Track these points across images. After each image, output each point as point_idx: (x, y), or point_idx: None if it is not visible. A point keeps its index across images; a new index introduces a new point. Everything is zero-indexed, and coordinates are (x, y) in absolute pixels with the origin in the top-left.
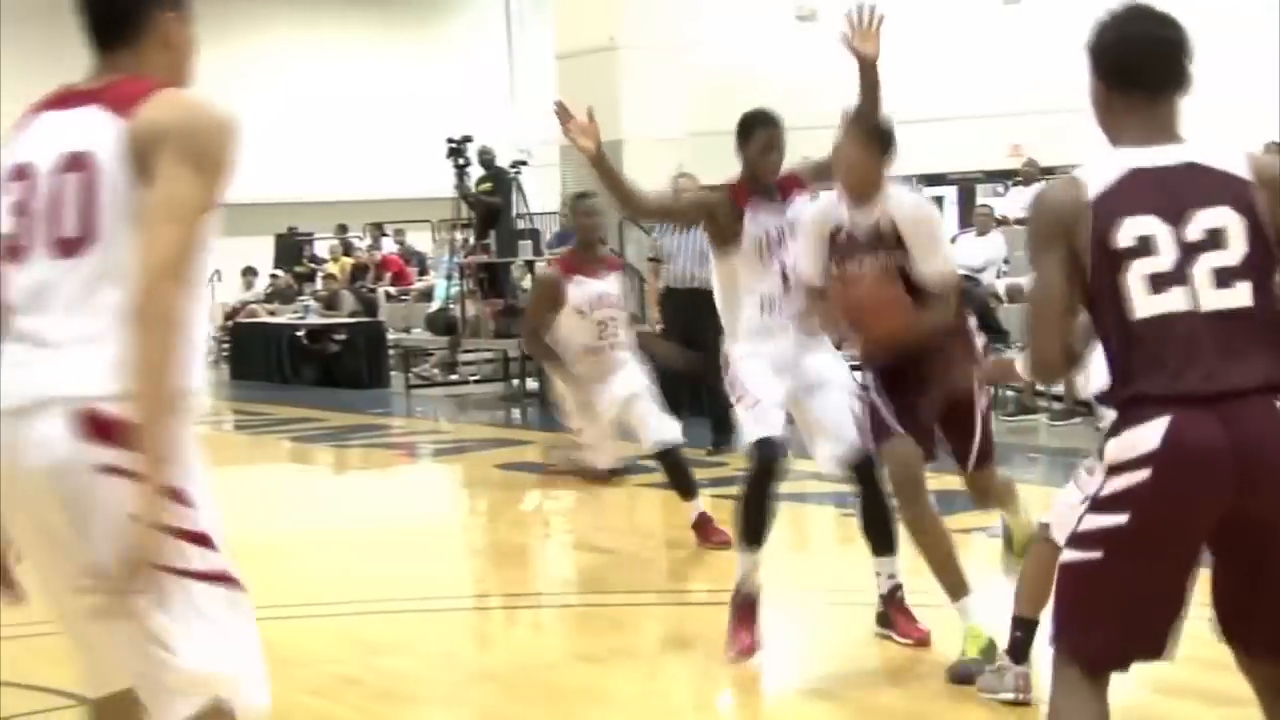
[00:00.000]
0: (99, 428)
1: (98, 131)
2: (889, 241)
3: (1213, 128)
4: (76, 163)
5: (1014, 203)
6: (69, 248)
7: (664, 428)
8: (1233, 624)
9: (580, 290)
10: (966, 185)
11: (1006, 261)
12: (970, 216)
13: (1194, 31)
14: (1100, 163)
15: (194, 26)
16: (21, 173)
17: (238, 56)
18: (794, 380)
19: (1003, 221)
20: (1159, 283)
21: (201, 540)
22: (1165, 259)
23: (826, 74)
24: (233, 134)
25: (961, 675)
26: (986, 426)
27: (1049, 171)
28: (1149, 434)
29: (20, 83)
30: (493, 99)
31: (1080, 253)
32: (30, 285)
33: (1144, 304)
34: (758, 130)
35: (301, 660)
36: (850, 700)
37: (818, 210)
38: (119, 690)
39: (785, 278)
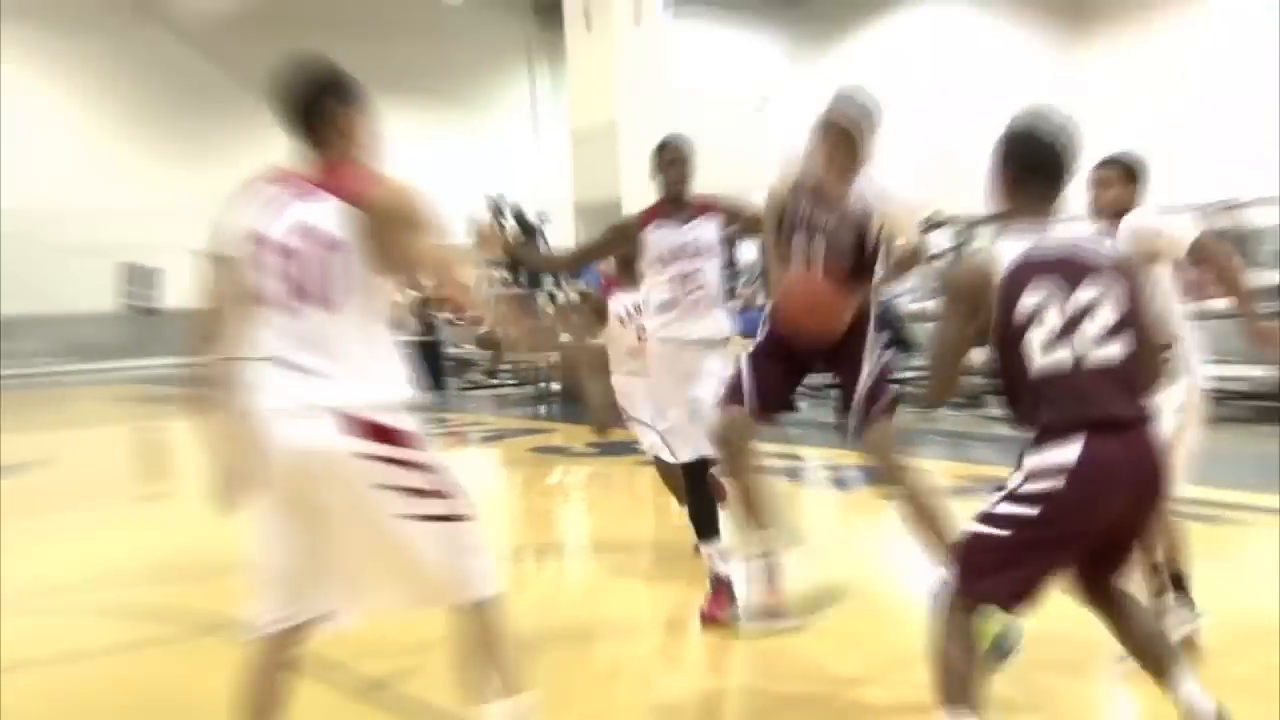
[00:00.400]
0: (354, 426)
1: (337, 216)
2: (848, 229)
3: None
4: (326, 241)
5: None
6: (325, 303)
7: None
8: (1086, 583)
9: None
10: None
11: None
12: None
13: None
14: (1005, 248)
15: (372, 118)
16: (279, 247)
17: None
18: (686, 380)
19: None
20: (1049, 345)
21: (436, 494)
22: (1054, 326)
23: (779, 151)
24: (425, 198)
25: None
26: (877, 377)
27: (948, 221)
28: (1067, 452)
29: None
30: (521, 167)
31: (983, 315)
32: (297, 330)
33: (1040, 361)
34: (664, 147)
35: None
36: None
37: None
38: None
39: (687, 288)
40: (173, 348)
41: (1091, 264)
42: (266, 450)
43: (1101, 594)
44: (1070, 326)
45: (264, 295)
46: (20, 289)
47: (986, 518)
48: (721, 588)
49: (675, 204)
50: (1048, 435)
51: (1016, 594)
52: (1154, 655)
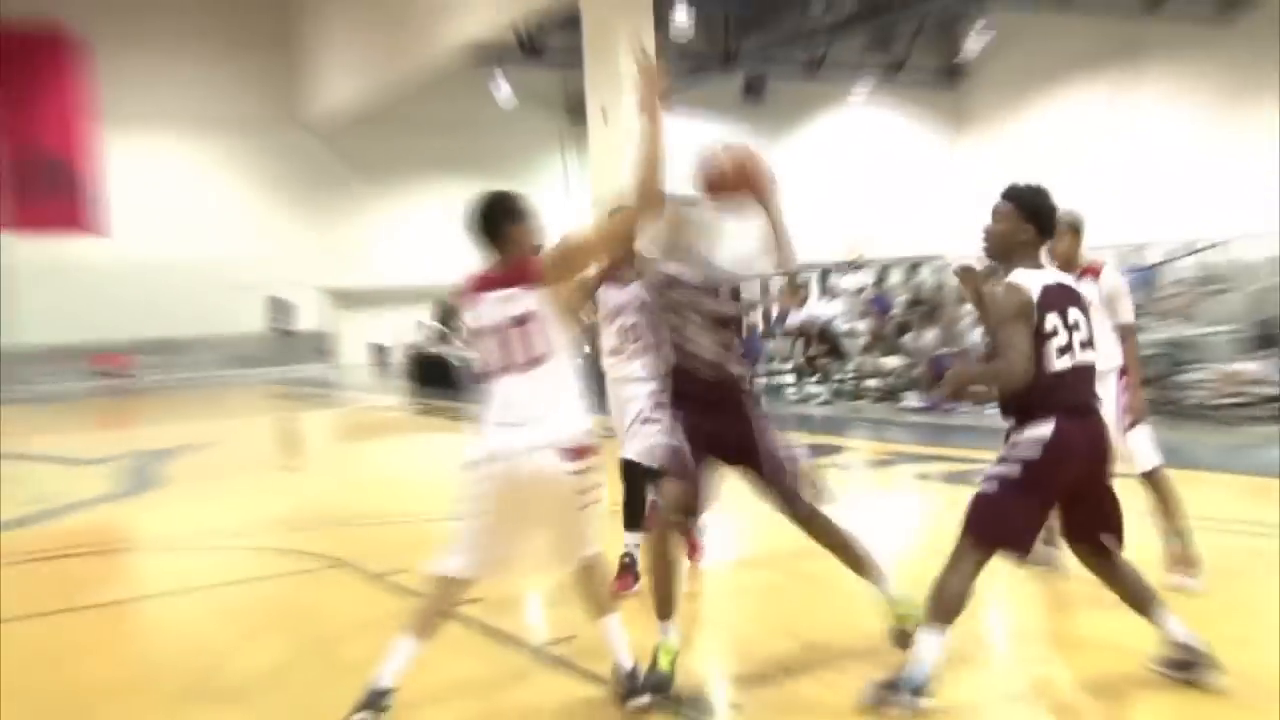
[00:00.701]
0: (567, 454)
1: (529, 299)
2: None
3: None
4: (524, 318)
5: (851, 280)
6: (535, 363)
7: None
8: (1070, 534)
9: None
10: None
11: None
12: (824, 288)
13: None
14: (1027, 278)
15: (534, 227)
16: (492, 328)
17: (390, 215)
18: (628, 405)
19: (842, 292)
20: (1060, 351)
21: (596, 485)
22: (1062, 338)
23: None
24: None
25: (648, 685)
26: (771, 449)
27: (868, 262)
28: (1043, 429)
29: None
30: (555, 224)
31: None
32: (514, 387)
33: (1055, 364)
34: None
35: None
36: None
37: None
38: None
39: (629, 339)
40: (303, 358)
41: (1074, 295)
42: (502, 474)
43: (1094, 552)
44: (1069, 339)
45: (489, 366)
46: (197, 315)
47: (986, 479)
48: (627, 571)
49: (623, 266)
50: (1029, 418)
51: (1012, 539)
52: (1140, 598)
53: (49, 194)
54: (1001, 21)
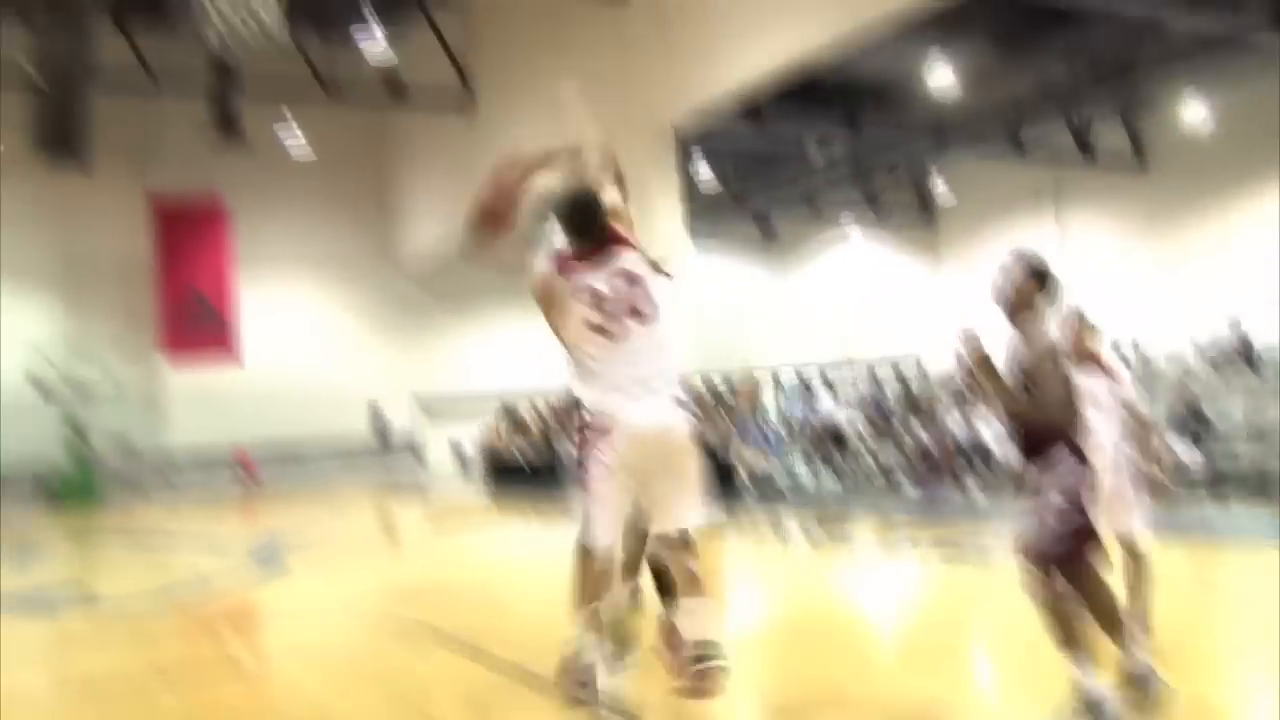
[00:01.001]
0: (683, 405)
1: (634, 260)
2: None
3: None
4: (632, 278)
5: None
6: (645, 319)
7: None
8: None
9: None
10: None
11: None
12: (828, 385)
13: None
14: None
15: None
16: (599, 292)
17: (465, 337)
18: None
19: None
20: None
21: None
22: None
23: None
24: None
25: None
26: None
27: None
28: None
29: None
30: None
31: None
32: (630, 349)
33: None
34: None
35: None
36: None
37: None
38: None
39: None
40: (398, 460)
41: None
42: (629, 428)
43: (1084, 574)
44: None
45: (604, 331)
46: (310, 424)
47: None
48: None
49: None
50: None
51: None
52: (1111, 621)
53: (198, 327)
54: (961, 170)
